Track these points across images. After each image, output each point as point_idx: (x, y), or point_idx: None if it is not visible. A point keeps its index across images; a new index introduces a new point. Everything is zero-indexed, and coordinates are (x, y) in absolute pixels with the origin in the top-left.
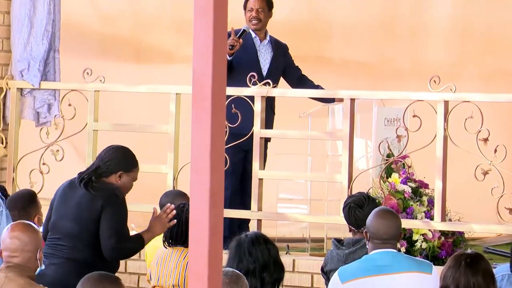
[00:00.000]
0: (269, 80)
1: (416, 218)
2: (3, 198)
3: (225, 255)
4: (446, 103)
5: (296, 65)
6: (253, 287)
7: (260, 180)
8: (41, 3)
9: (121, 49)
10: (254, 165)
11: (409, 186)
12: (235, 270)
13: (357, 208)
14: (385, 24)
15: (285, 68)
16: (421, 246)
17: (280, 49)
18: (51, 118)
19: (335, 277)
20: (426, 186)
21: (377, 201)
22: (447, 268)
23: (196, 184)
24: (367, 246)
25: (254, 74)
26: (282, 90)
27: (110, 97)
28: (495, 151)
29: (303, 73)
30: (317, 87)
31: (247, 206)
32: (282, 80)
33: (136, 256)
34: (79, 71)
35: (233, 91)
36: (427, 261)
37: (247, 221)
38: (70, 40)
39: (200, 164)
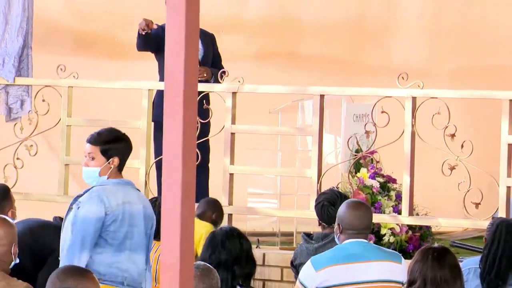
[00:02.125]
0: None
1: (384, 213)
2: None
3: None
4: (414, 99)
5: (219, 53)
6: (224, 280)
7: (231, 175)
8: (16, 0)
9: (95, 46)
10: (224, 160)
11: (377, 181)
12: (206, 263)
13: (330, 205)
14: (356, 22)
15: (213, 58)
16: (389, 240)
17: (209, 40)
18: (23, 114)
19: (308, 266)
20: (394, 181)
21: (347, 197)
22: (414, 262)
23: (168, 178)
24: (337, 239)
25: (226, 70)
26: (253, 86)
27: (84, 93)
28: (462, 146)
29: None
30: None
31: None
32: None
33: None
34: (52, 67)
35: (205, 87)
36: (397, 252)
37: None
38: (43, 36)
39: (172, 158)
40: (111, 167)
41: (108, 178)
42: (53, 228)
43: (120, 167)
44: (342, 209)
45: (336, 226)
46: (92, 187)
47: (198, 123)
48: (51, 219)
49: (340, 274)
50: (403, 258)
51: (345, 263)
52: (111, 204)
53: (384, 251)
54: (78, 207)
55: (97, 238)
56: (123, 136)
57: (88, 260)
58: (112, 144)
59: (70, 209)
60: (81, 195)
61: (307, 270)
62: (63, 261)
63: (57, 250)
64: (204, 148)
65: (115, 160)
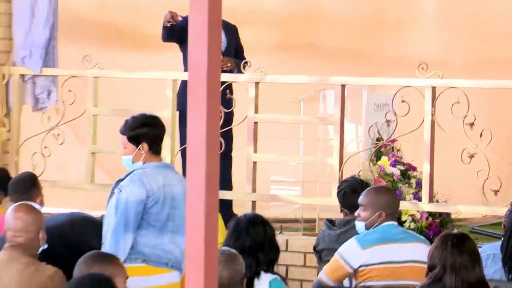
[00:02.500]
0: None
1: (404, 200)
2: None
3: None
4: (434, 89)
5: (241, 45)
6: (248, 266)
7: (254, 163)
8: None
9: (119, 37)
10: (248, 149)
11: (398, 169)
12: (231, 249)
13: (352, 193)
14: (374, 14)
15: (236, 49)
16: (409, 226)
17: (231, 31)
18: (50, 104)
19: (354, 244)
20: (414, 169)
21: (369, 184)
22: (434, 248)
23: (192, 167)
24: (362, 223)
25: (248, 61)
26: (276, 76)
27: (109, 83)
28: (481, 135)
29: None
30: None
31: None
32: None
33: None
34: (78, 58)
35: (228, 77)
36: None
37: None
38: (68, 28)
39: (196, 147)
40: (142, 153)
41: (144, 162)
42: (95, 226)
43: (155, 151)
44: (376, 195)
45: (378, 213)
46: (133, 171)
47: (221, 113)
48: (78, 206)
49: (382, 253)
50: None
51: (387, 243)
52: (152, 187)
53: (415, 234)
54: (120, 191)
55: (139, 221)
56: (149, 120)
57: (132, 242)
58: (138, 130)
59: (112, 194)
60: (122, 179)
61: (352, 248)
62: (108, 244)
63: (95, 247)
64: (227, 137)
65: (144, 146)
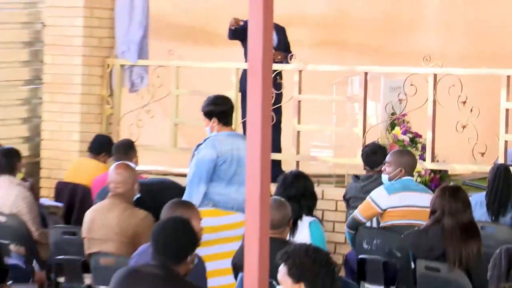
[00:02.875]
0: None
1: None
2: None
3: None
4: (435, 75)
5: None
6: (293, 210)
7: (298, 132)
8: (137, 1)
9: (195, 35)
10: (293, 121)
11: (407, 136)
12: (281, 197)
13: (373, 154)
14: (390, 16)
15: (284, 45)
16: (416, 180)
17: (281, 31)
18: (142, 87)
19: (382, 190)
20: (420, 136)
21: (385, 148)
22: (435, 197)
23: (251, 134)
24: (387, 176)
25: (293, 54)
26: (314, 66)
27: (187, 71)
28: (471, 110)
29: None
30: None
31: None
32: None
33: None
34: (163, 52)
35: (278, 66)
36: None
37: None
38: (157, 29)
39: (254, 120)
40: (214, 125)
41: (218, 132)
42: (178, 188)
43: (224, 123)
44: (399, 156)
45: (399, 170)
46: (209, 137)
47: (273, 94)
48: (163, 165)
49: (405, 199)
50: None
51: (408, 191)
52: (222, 149)
53: (425, 187)
54: (198, 152)
55: (211, 175)
56: (216, 100)
57: (205, 191)
58: (209, 108)
59: (193, 155)
60: (201, 144)
61: (382, 193)
62: (186, 192)
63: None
64: (277, 112)
65: (214, 119)
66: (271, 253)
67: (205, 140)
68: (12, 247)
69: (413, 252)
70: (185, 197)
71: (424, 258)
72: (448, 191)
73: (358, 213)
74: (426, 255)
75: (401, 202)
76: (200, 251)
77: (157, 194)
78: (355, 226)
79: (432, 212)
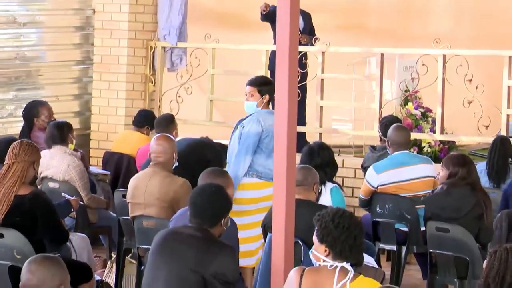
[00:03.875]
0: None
1: (424, 132)
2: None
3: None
4: (444, 56)
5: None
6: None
7: (321, 107)
8: None
9: (229, 20)
10: (317, 97)
11: (419, 111)
12: (308, 165)
13: (390, 125)
14: (404, 2)
15: (309, 29)
16: (427, 150)
17: (307, 16)
18: (181, 67)
19: (370, 171)
20: (430, 111)
21: (401, 120)
22: (447, 165)
23: (279, 110)
24: (388, 151)
25: (317, 37)
26: (336, 48)
27: (222, 52)
28: (476, 88)
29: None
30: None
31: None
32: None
33: None
34: (201, 36)
35: (304, 48)
36: (427, 157)
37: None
38: (194, 15)
39: (281, 96)
40: (263, 101)
41: (261, 108)
42: (203, 144)
43: (269, 101)
44: (390, 130)
45: (386, 141)
46: (252, 114)
47: (298, 72)
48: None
49: (393, 175)
50: (431, 160)
51: (396, 168)
52: (265, 124)
53: (420, 157)
54: (243, 127)
55: (256, 147)
56: (270, 80)
57: (250, 162)
58: (264, 86)
59: (235, 128)
60: (244, 119)
61: (371, 173)
62: (233, 164)
63: (210, 159)
64: (303, 89)
65: (266, 97)
66: (297, 214)
67: (247, 116)
68: (69, 197)
69: (436, 213)
70: (233, 167)
71: (446, 219)
72: (456, 159)
73: (360, 193)
74: (451, 216)
75: (390, 179)
76: (242, 219)
77: (193, 160)
78: (363, 204)
79: (450, 176)
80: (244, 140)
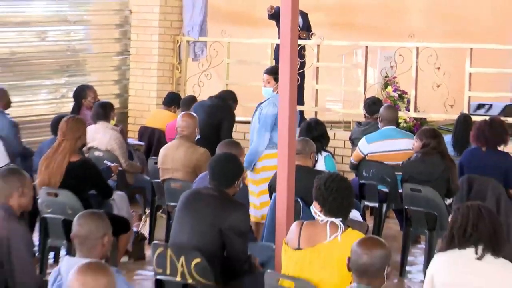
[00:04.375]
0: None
1: (400, 110)
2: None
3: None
4: (417, 48)
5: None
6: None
7: (316, 90)
8: None
9: (241, 18)
10: (313, 82)
11: (397, 93)
12: (305, 137)
13: (372, 104)
14: (385, 2)
15: (307, 26)
16: (403, 125)
17: (305, 16)
18: (202, 57)
19: (363, 141)
20: (405, 93)
21: (381, 101)
22: (421, 137)
23: (282, 91)
24: (379, 126)
25: (313, 32)
26: (329, 41)
27: (235, 45)
28: (444, 74)
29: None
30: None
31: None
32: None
33: None
34: (218, 31)
35: (302, 42)
36: (410, 133)
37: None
38: (213, 14)
39: (284, 81)
40: (277, 87)
41: (277, 93)
42: (216, 106)
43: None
44: (382, 109)
45: (378, 117)
46: (269, 98)
47: (298, 62)
48: None
49: (381, 146)
50: (413, 136)
51: (384, 140)
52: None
53: (404, 133)
54: (262, 109)
55: (273, 126)
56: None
57: (269, 137)
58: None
59: (256, 110)
60: (262, 103)
61: (362, 143)
62: (256, 140)
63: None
64: (301, 76)
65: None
66: (297, 177)
67: (265, 100)
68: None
69: (411, 176)
70: (255, 143)
71: (420, 181)
72: (427, 132)
73: (352, 158)
74: (423, 179)
75: (378, 149)
76: (262, 186)
77: (210, 132)
78: (353, 167)
79: (423, 146)
80: (263, 121)
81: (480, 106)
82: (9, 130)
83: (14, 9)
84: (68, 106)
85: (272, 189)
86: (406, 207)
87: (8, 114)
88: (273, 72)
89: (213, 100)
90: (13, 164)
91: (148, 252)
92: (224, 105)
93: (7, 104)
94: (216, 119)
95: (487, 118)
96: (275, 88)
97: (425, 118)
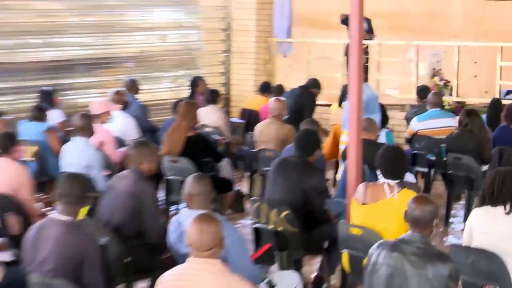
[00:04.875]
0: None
1: (444, 96)
2: None
3: None
4: (458, 46)
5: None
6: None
7: (378, 79)
8: (286, 3)
9: (316, 23)
10: (375, 73)
11: (442, 82)
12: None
13: (422, 91)
14: (432, 9)
15: (370, 29)
16: (447, 108)
17: (368, 22)
18: (289, 54)
19: (414, 120)
20: (449, 82)
21: (429, 88)
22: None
23: (352, 80)
24: (427, 108)
25: (375, 34)
26: (387, 41)
27: (315, 44)
28: (480, 67)
29: None
30: None
31: None
32: None
33: None
34: (300, 34)
35: (366, 42)
36: (452, 113)
37: None
38: (297, 19)
39: (353, 72)
40: None
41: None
42: (301, 93)
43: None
44: (429, 95)
45: (426, 101)
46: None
47: (364, 58)
48: None
49: (429, 124)
50: (454, 115)
51: (431, 119)
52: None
53: (447, 113)
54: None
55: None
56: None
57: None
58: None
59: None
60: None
61: (414, 122)
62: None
63: (305, 103)
64: (366, 69)
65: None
66: (363, 148)
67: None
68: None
69: (453, 147)
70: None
71: (459, 151)
72: (469, 111)
73: (406, 134)
74: (462, 150)
75: (426, 126)
76: None
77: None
78: (407, 141)
79: (461, 124)
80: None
81: (508, 92)
82: (140, 111)
83: (142, 18)
84: (185, 92)
85: (344, 157)
86: (449, 172)
87: (138, 99)
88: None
89: (299, 89)
90: (143, 138)
91: (246, 206)
92: (307, 92)
93: (137, 91)
94: (300, 103)
95: None
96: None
97: (464, 102)
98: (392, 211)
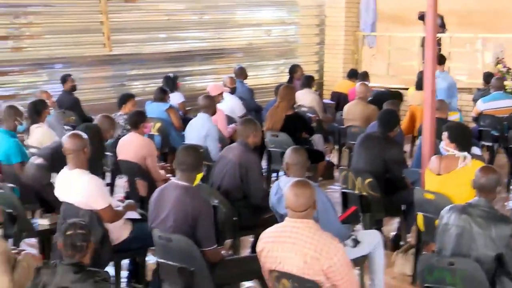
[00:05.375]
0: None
1: (506, 80)
2: None
3: None
4: None
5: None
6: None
7: (449, 67)
8: (371, 1)
9: (397, 20)
10: (448, 61)
11: (505, 69)
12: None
13: (487, 76)
14: (495, 8)
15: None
16: (508, 91)
17: (441, 17)
18: (373, 45)
19: (479, 101)
20: (511, 69)
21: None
22: None
23: (426, 67)
24: (491, 91)
25: (447, 29)
26: (457, 34)
27: (394, 38)
28: None
29: None
30: None
31: None
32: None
33: None
34: (381, 29)
35: (439, 34)
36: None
37: None
38: (380, 15)
39: (428, 60)
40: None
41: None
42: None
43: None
44: (492, 80)
45: (489, 85)
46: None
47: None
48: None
49: (491, 104)
50: None
51: (494, 100)
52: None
53: (509, 95)
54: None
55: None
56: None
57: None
58: (442, 59)
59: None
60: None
61: (479, 103)
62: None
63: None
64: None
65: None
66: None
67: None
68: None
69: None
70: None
71: None
72: None
73: (472, 113)
74: None
75: (490, 107)
76: None
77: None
78: (474, 119)
79: None
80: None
81: None
82: (247, 93)
83: (250, 15)
84: (284, 78)
85: (420, 132)
86: (511, 145)
87: (246, 83)
88: (439, 62)
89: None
90: (249, 116)
91: (336, 174)
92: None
93: (245, 77)
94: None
95: None
96: (441, 68)
97: None
98: (462, 179)
